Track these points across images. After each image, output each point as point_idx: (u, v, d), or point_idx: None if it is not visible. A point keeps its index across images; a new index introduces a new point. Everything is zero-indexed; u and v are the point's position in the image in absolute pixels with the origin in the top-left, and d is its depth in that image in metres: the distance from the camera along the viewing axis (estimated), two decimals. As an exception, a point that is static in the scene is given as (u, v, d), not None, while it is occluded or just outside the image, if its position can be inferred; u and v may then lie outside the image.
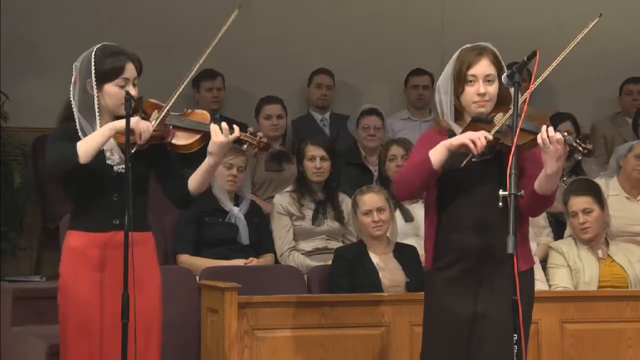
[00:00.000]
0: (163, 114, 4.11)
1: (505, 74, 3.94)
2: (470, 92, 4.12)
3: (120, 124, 4.01)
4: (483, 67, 4.10)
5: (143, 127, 4.02)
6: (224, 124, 4.12)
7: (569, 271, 5.78)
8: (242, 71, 7.86)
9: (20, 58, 7.31)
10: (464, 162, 3.98)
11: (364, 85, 8.33)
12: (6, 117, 7.01)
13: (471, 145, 3.94)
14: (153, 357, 4.14)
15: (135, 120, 4.01)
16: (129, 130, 3.99)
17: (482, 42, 4.22)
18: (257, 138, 4.17)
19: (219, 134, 4.09)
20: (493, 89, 4.11)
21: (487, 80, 4.11)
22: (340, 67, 8.02)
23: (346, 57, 8.14)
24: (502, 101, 4.12)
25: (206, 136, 4.13)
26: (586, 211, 5.82)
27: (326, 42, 8.12)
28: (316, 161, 6.25)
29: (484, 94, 4.09)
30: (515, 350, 3.71)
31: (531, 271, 4.17)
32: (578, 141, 3.90)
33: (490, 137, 3.96)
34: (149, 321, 4.10)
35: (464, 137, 3.97)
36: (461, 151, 3.98)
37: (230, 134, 4.11)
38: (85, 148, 3.98)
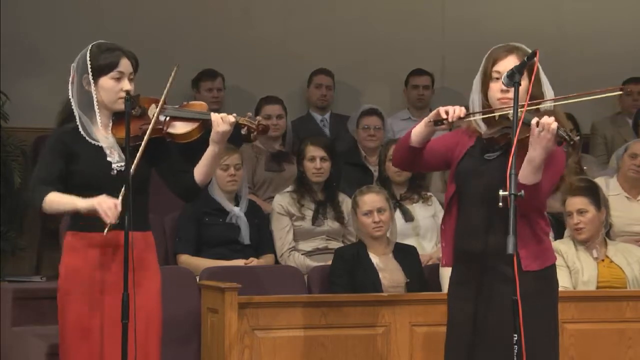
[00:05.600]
0: (160, 107, 4.11)
1: (505, 74, 3.85)
2: (495, 88, 4.01)
3: (84, 205, 3.93)
4: (509, 63, 3.94)
5: (109, 205, 3.91)
6: (222, 114, 4.13)
7: (568, 271, 5.77)
8: (242, 71, 7.87)
9: (20, 58, 7.31)
10: (439, 125, 4.02)
11: (364, 85, 8.33)
12: (6, 117, 7.01)
13: (443, 114, 3.96)
14: (153, 357, 4.14)
15: (101, 199, 3.93)
16: (129, 130, 3.99)
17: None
18: (256, 121, 4.20)
19: (220, 123, 4.10)
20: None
21: None
22: (340, 67, 8.01)
23: (346, 57, 8.13)
24: (533, 98, 3.95)
25: (205, 124, 4.14)
26: (581, 212, 5.79)
27: (326, 42, 8.11)
28: (316, 161, 6.25)
29: (507, 91, 3.94)
30: (516, 350, 3.70)
31: (548, 269, 4.08)
32: (569, 134, 3.76)
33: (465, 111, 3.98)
34: (148, 321, 4.09)
35: (439, 108, 4.00)
36: (439, 121, 4.00)
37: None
38: (53, 205, 3.99)
